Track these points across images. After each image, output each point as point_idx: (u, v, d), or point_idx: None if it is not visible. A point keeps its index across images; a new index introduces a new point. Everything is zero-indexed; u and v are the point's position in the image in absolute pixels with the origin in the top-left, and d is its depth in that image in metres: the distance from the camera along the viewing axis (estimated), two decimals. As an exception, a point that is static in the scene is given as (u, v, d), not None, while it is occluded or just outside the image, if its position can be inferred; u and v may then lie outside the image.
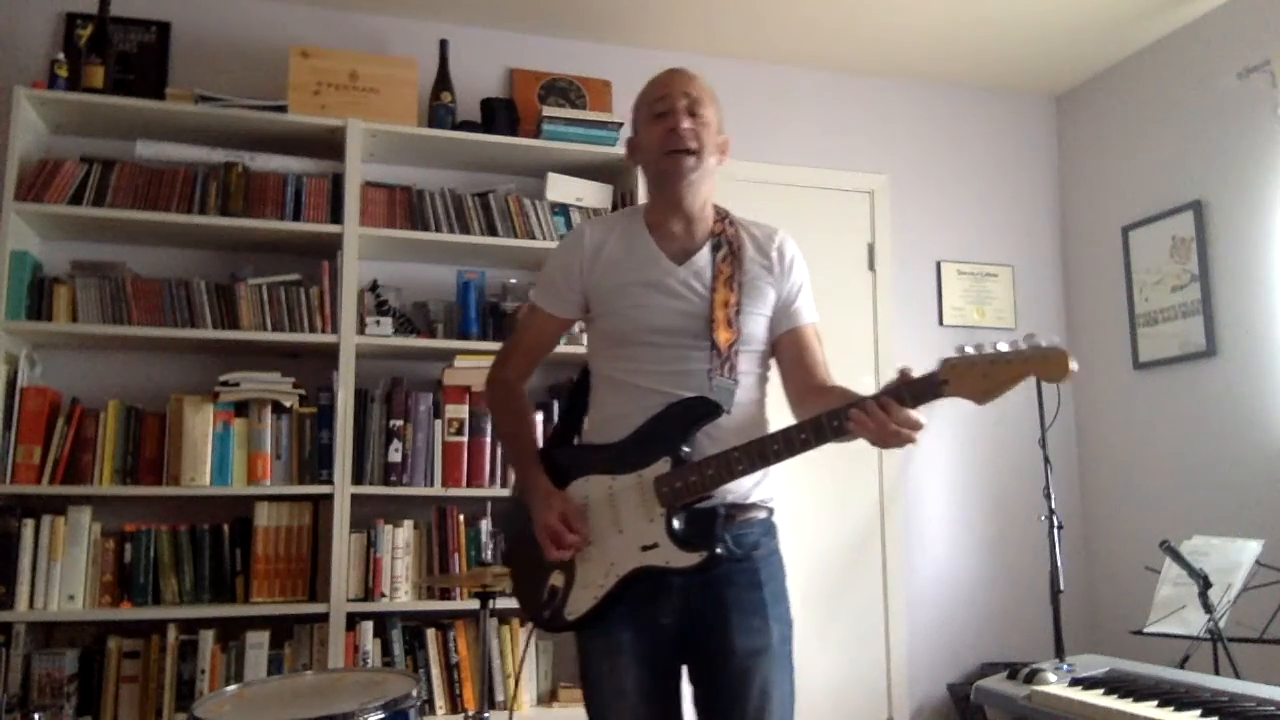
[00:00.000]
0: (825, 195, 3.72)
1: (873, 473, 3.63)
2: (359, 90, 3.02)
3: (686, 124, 1.65)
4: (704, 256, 1.69)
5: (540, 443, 1.80)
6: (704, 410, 1.58)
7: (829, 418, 1.45)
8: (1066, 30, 3.50)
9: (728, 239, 1.71)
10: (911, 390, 1.40)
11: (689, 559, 1.52)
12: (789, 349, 1.72)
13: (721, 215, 1.76)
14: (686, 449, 1.57)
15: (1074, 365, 1.33)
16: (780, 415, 1.69)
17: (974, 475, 3.74)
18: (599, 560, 1.61)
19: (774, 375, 1.78)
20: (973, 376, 1.37)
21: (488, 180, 3.26)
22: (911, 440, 1.40)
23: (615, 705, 1.63)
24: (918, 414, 1.40)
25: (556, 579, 1.65)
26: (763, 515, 1.69)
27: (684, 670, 1.68)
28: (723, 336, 1.63)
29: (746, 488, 1.63)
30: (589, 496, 1.63)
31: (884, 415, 1.39)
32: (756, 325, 1.69)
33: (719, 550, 1.54)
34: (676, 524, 1.54)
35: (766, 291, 1.70)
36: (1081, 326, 3.90)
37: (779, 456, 1.50)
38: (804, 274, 1.76)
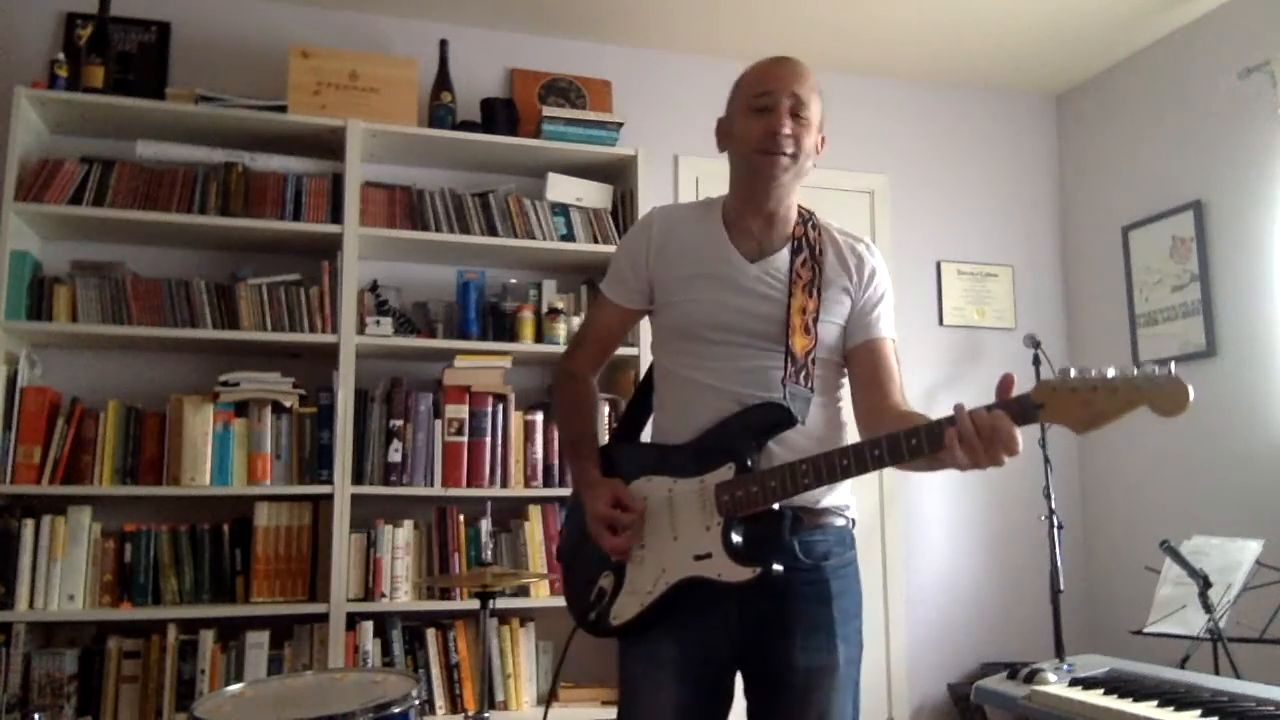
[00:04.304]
0: (825, 195, 3.70)
1: (873, 473, 3.62)
2: (359, 90, 3.01)
3: (787, 128, 1.54)
4: (781, 258, 1.60)
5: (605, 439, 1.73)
6: (778, 418, 1.50)
7: (908, 435, 1.34)
8: (1066, 30, 3.50)
9: (809, 242, 1.62)
10: (1001, 410, 1.28)
11: (742, 574, 1.44)
12: (863, 362, 1.61)
13: (805, 217, 1.66)
14: (754, 457, 1.49)
15: (1193, 396, 1.18)
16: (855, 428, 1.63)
17: (974, 475, 3.71)
18: (651, 565, 1.53)
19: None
20: (1073, 404, 1.25)
21: (488, 180, 3.26)
22: (1000, 462, 1.27)
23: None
24: (1018, 436, 1.26)
25: (606, 580, 1.57)
26: (838, 523, 1.59)
27: (738, 680, 1.60)
28: (799, 343, 1.54)
29: (817, 493, 1.54)
30: (648, 498, 1.56)
31: (987, 426, 1.26)
32: (832, 333, 1.60)
33: (776, 566, 1.44)
34: (734, 536, 1.46)
35: (843, 300, 1.61)
36: (1081, 326, 3.90)
37: (847, 473, 1.40)
38: (885, 286, 1.65)
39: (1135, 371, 1.22)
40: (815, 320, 1.57)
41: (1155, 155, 3.56)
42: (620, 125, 3.25)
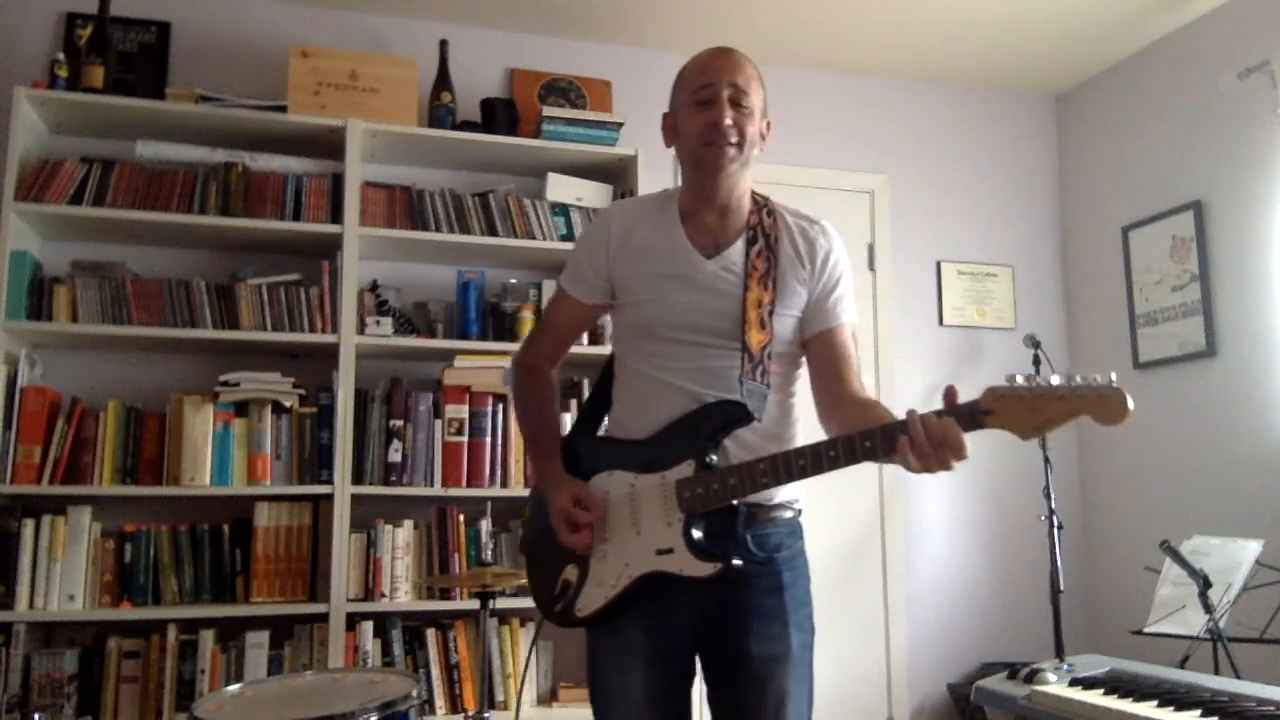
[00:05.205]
0: (825, 195, 3.71)
1: (873, 473, 3.63)
2: (359, 90, 3.01)
3: (729, 119, 1.56)
4: (737, 250, 1.61)
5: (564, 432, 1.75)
6: (735, 415, 1.53)
7: (862, 438, 1.38)
8: (1066, 30, 3.50)
9: (764, 231, 1.62)
10: (952, 417, 1.32)
11: (703, 569, 1.48)
12: (821, 352, 1.63)
13: (760, 204, 1.66)
14: (713, 455, 1.52)
15: (1132, 405, 1.23)
16: (809, 416, 1.65)
17: (974, 475, 3.73)
18: (614, 559, 1.57)
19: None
20: (1020, 410, 1.29)
21: (488, 180, 3.26)
22: (949, 467, 1.32)
23: (619, 707, 1.59)
24: (966, 442, 1.31)
25: (570, 573, 1.61)
26: (788, 515, 1.63)
27: (698, 667, 1.64)
28: (755, 338, 1.56)
29: (770, 489, 1.55)
30: (610, 492, 1.59)
31: (937, 433, 1.30)
32: (787, 326, 1.62)
33: (735, 561, 1.49)
34: (695, 532, 1.50)
35: (798, 290, 1.62)
36: (1081, 326, 3.90)
37: (804, 473, 1.44)
38: (843, 270, 1.66)
39: (1080, 380, 1.27)
40: (771, 314, 1.59)
41: (1155, 155, 3.56)
42: (620, 125, 3.25)
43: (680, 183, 1.71)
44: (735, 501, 1.51)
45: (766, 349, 1.57)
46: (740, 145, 1.59)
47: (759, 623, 1.56)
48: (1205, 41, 3.37)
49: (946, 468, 1.32)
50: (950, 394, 1.34)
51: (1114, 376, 1.25)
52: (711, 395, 1.55)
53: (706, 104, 1.59)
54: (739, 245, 1.62)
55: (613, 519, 1.58)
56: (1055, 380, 1.28)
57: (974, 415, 1.32)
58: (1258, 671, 2.35)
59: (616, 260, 1.66)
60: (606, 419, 1.73)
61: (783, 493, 1.61)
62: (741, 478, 1.47)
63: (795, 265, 1.63)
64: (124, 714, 2.60)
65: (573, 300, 1.73)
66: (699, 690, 1.64)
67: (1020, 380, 1.29)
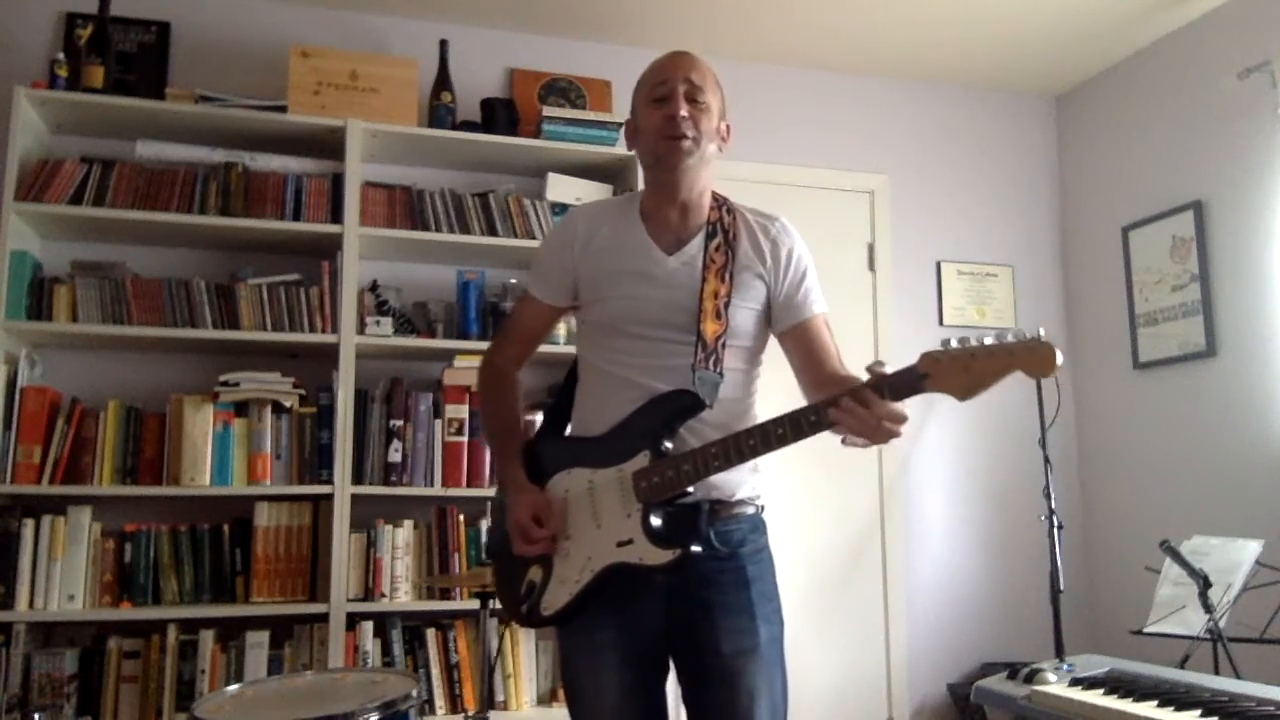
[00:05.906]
0: (825, 195, 3.72)
1: (873, 472, 3.63)
2: (359, 90, 3.02)
3: (685, 111, 1.60)
4: (696, 245, 1.65)
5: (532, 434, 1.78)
6: (686, 403, 1.55)
7: (806, 413, 1.42)
8: (1066, 30, 3.50)
9: (723, 227, 1.66)
10: (891, 385, 1.36)
11: (663, 556, 1.49)
12: (799, 343, 1.67)
13: (719, 203, 1.70)
14: (667, 443, 1.54)
15: (1060, 359, 1.28)
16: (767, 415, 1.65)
17: (974, 475, 3.73)
18: (577, 556, 1.58)
19: (769, 376, 1.74)
20: (954, 371, 1.33)
21: (488, 180, 3.26)
22: (895, 434, 1.36)
23: (595, 705, 1.61)
24: (900, 406, 1.36)
25: (534, 573, 1.63)
26: (750, 511, 1.65)
27: (670, 665, 1.65)
28: (710, 328, 1.59)
29: (732, 484, 1.59)
30: (569, 490, 1.61)
31: (865, 410, 1.35)
32: (745, 319, 1.64)
33: (695, 547, 1.50)
34: (654, 520, 1.52)
35: (756, 285, 1.65)
36: (1081, 326, 3.90)
37: (755, 451, 1.47)
38: (807, 264, 1.69)
39: (1010, 337, 1.32)
40: (726, 305, 1.61)
41: (1155, 155, 3.56)
42: (620, 125, 3.25)
43: (642, 186, 1.74)
44: (692, 489, 1.52)
45: (720, 339, 1.60)
46: (697, 140, 1.62)
47: (726, 618, 1.58)
48: (1205, 41, 3.37)
49: (895, 434, 1.37)
50: (878, 365, 1.39)
51: (1042, 332, 1.30)
52: (666, 387, 1.57)
53: (663, 100, 1.63)
54: (698, 240, 1.66)
55: (574, 516, 1.60)
56: (988, 340, 1.33)
57: (911, 380, 1.36)
58: (1258, 671, 2.34)
59: (581, 260, 1.69)
60: (571, 419, 1.75)
61: (744, 489, 1.63)
62: (695, 462, 1.49)
63: (754, 260, 1.66)
64: (124, 714, 2.60)
65: (538, 302, 1.76)
66: (674, 690, 1.65)
67: (954, 343, 1.33)
